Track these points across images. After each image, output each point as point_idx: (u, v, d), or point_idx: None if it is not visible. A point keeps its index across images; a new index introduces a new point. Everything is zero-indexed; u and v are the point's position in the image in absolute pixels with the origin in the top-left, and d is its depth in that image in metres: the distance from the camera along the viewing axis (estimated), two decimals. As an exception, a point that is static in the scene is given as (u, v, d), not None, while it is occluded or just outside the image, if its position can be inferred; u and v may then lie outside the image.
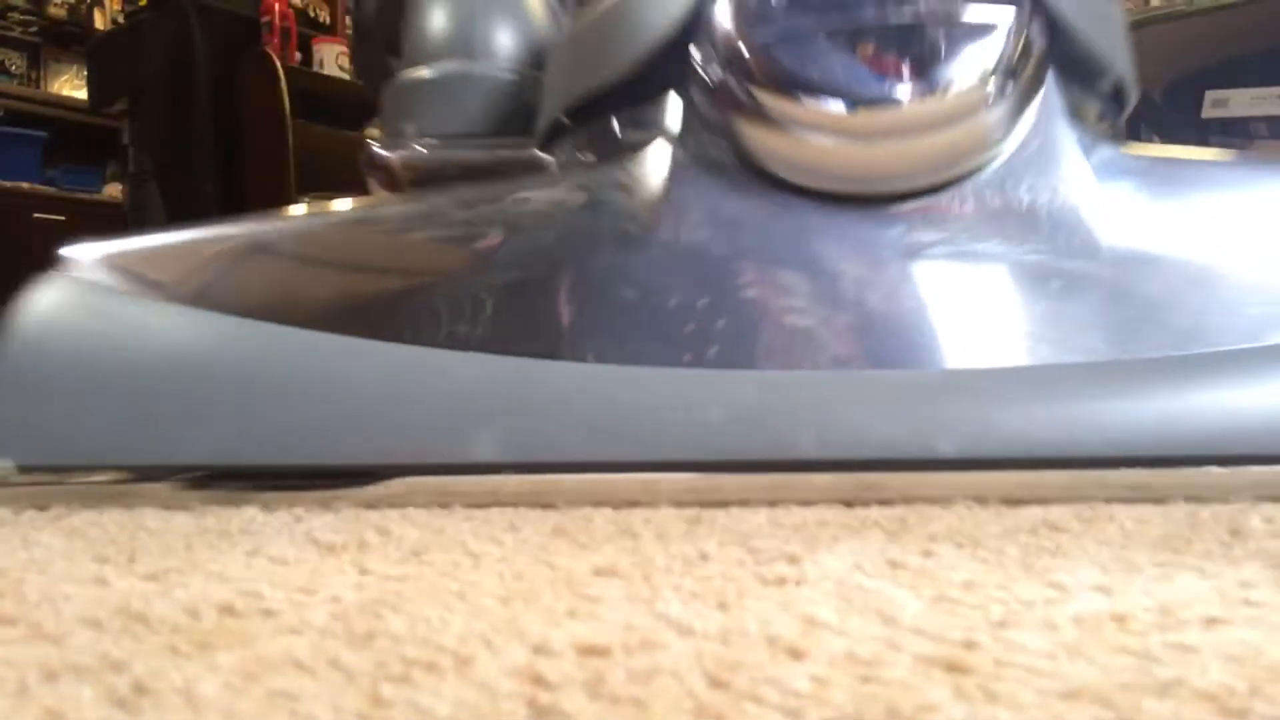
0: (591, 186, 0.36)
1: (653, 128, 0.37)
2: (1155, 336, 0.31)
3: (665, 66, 0.36)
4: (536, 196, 0.36)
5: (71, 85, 4.33)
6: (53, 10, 4.26)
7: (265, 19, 3.16)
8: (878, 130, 0.33)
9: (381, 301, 0.33)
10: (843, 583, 0.21)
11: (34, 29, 4.26)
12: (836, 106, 0.33)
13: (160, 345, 0.31)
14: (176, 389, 0.31)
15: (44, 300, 0.34)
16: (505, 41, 0.55)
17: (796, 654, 0.16)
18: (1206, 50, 2.27)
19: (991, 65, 0.33)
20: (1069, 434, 0.30)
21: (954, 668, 0.16)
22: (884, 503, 0.29)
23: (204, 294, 0.32)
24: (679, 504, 0.30)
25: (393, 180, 0.52)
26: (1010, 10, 0.33)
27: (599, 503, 0.30)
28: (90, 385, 0.31)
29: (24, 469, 0.31)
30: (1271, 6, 2.01)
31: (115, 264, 0.35)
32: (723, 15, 0.34)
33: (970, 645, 0.17)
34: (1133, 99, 0.43)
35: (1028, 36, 0.34)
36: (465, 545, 0.26)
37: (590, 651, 0.17)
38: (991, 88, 0.34)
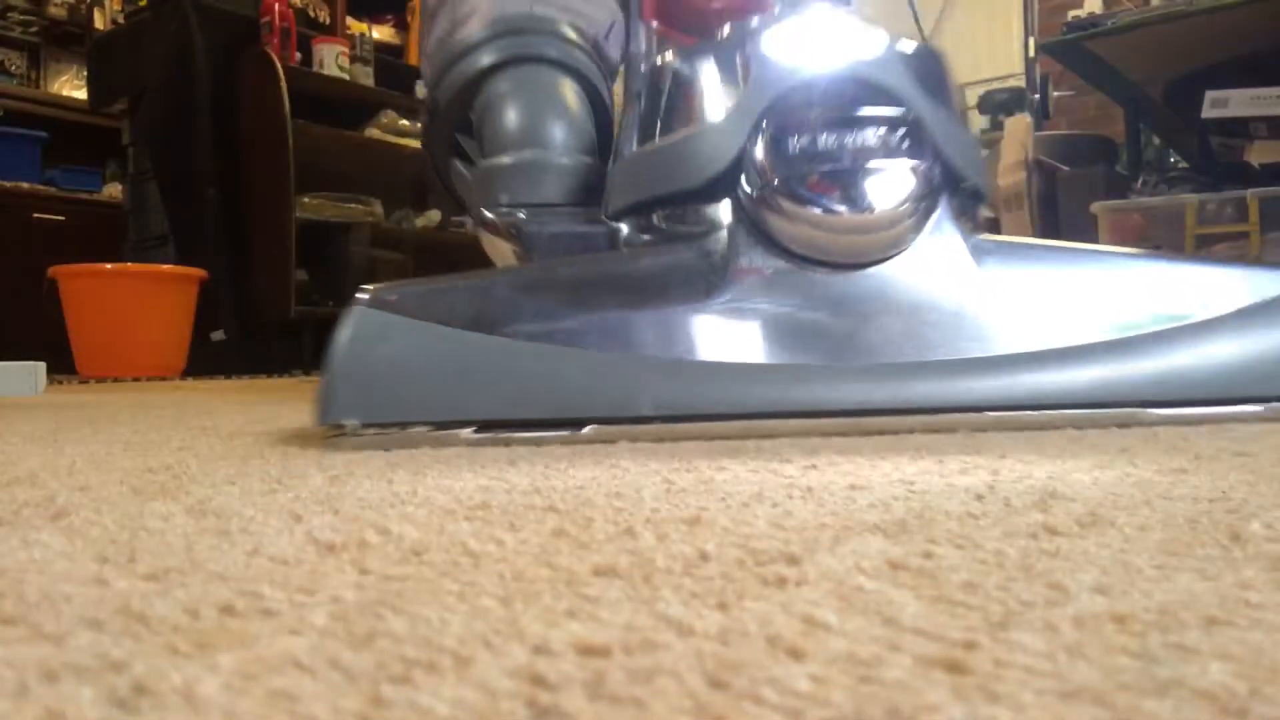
0: (681, 261, 0.58)
1: (704, 221, 0.60)
2: (1007, 341, 0.55)
3: (719, 184, 0.58)
4: (659, 260, 0.59)
5: (71, 85, 4.34)
6: (53, 10, 4.26)
7: (265, 19, 3.17)
8: (845, 229, 0.56)
9: (570, 323, 0.54)
10: (843, 583, 0.21)
11: (34, 29, 4.27)
12: (821, 214, 0.56)
13: (439, 350, 0.52)
14: (453, 376, 0.51)
15: (357, 322, 0.52)
16: (560, 134, 0.76)
17: (796, 654, 0.16)
18: (1206, 50, 2.27)
19: (909, 193, 0.56)
20: (942, 395, 0.53)
21: (954, 668, 0.16)
22: (866, 433, 0.51)
23: (452, 318, 0.52)
24: (735, 436, 0.51)
25: (499, 233, 0.73)
26: (921, 163, 0.56)
27: (697, 437, 0.51)
28: (398, 374, 0.51)
29: (366, 425, 0.50)
30: (1271, 6, 2.01)
31: (389, 300, 0.53)
32: (761, 157, 0.57)
33: (970, 645, 0.17)
34: (988, 197, 0.65)
35: (929, 176, 0.56)
36: (465, 545, 0.26)
37: (590, 651, 0.17)
38: (909, 206, 0.56)
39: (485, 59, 0.75)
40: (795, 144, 0.55)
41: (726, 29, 0.62)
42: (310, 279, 3.16)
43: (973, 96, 3.61)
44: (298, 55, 3.21)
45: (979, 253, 0.58)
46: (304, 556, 0.25)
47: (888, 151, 0.55)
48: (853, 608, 0.19)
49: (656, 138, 0.62)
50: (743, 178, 0.57)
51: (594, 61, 0.79)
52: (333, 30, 3.67)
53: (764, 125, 0.56)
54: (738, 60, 0.58)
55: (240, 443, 0.55)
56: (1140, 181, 2.22)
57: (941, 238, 0.57)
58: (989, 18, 4.41)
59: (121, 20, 3.59)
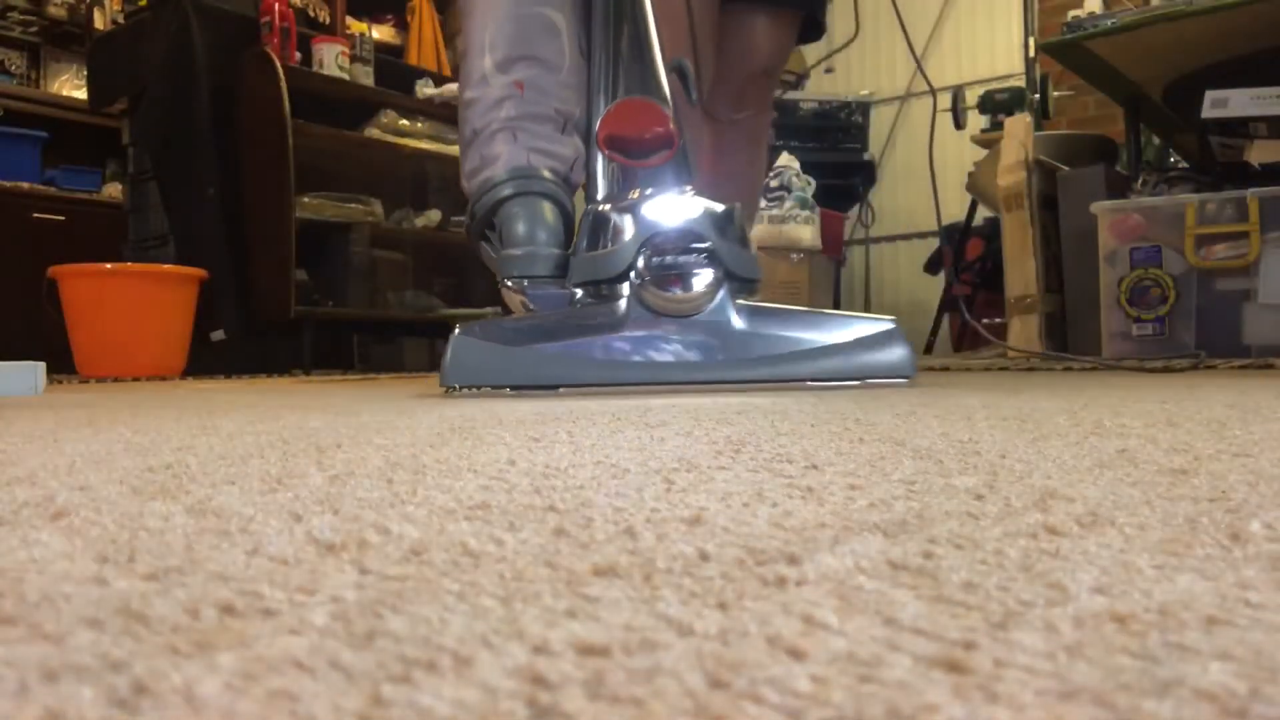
0: (605, 311, 1.15)
1: (618, 292, 1.15)
2: (753, 351, 1.14)
3: (624, 276, 1.14)
4: (595, 312, 1.16)
5: (71, 85, 4.33)
6: (53, 10, 4.26)
7: (265, 19, 3.16)
8: (679, 300, 1.13)
9: (552, 340, 1.13)
10: (843, 583, 0.21)
11: (34, 29, 4.27)
12: (665, 291, 1.13)
13: (499, 355, 1.12)
14: (499, 366, 1.12)
15: (457, 339, 1.12)
16: (544, 236, 1.30)
17: (796, 654, 0.16)
18: (1206, 50, 2.27)
19: (707, 284, 1.12)
20: (724, 374, 1.13)
21: (954, 668, 0.16)
22: (694, 393, 1.05)
23: (499, 339, 1.14)
24: (634, 394, 1.06)
25: (514, 294, 1.30)
26: (714, 271, 1.12)
27: (613, 393, 1.08)
28: (477, 363, 1.12)
29: (461, 386, 1.12)
30: (1271, 6, 2.01)
31: (474, 330, 1.14)
32: (641, 265, 1.13)
33: (970, 645, 0.17)
34: (757, 282, 1.19)
35: (718, 276, 1.12)
36: (465, 545, 0.26)
37: (590, 651, 0.17)
38: (709, 290, 1.13)
39: (504, 192, 1.31)
40: (656, 260, 1.12)
41: (632, 194, 1.19)
42: (310, 279, 3.16)
43: (973, 96, 3.61)
44: (298, 55, 3.21)
45: (740, 309, 1.14)
46: (304, 556, 0.25)
47: (698, 265, 1.12)
48: (853, 608, 0.19)
49: (597, 248, 1.17)
50: (633, 274, 1.13)
51: (562, 188, 1.33)
52: (333, 30, 3.67)
53: (643, 249, 1.13)
54: (632, 215, 1.16)
55: (240, 442, 0.55)
56: (1140, 181, 2.22)
57: (724, 302, 1.14)
58: (989, 18, 4.41)
59: (121, 20, 3.59)
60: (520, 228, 1.27)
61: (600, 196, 1.23)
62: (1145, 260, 2.01)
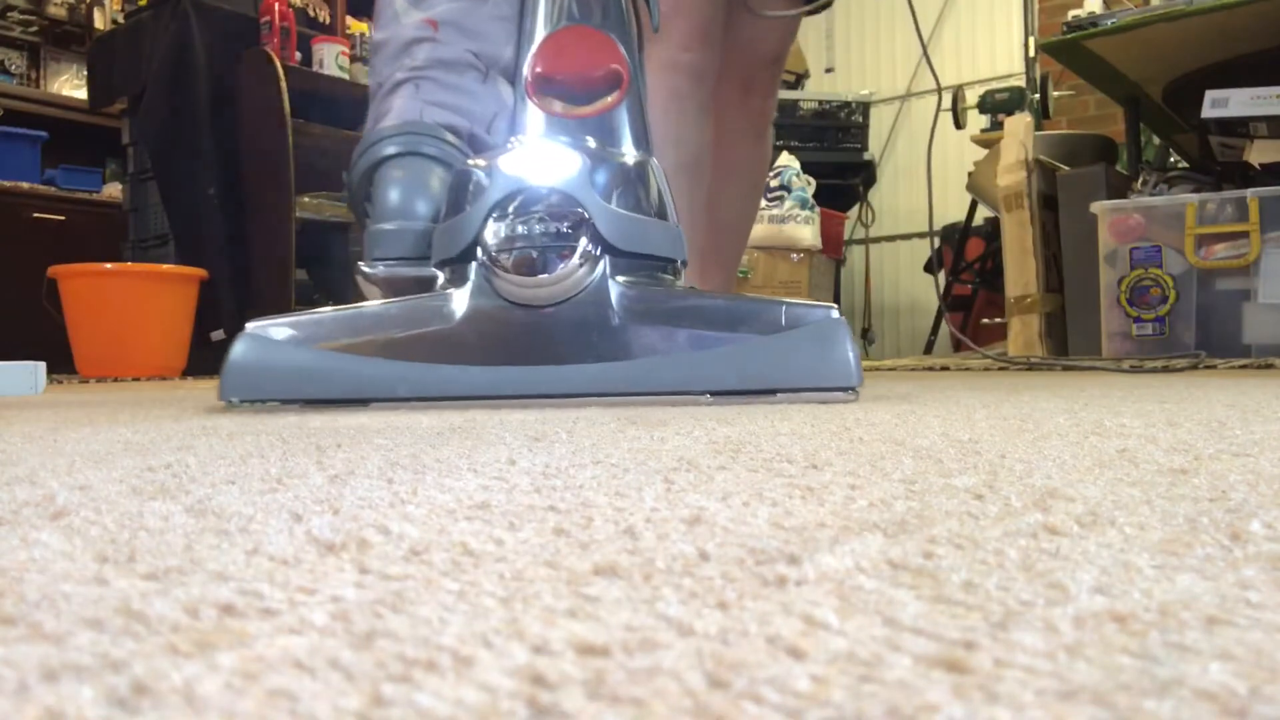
0: (449, 296, 0.90)
1: (464, 273, 0.89)
2: (638, 354, 0.87)
3: (468, 253, 0.89)
4: (435, 300, 0.90)
5: (71, 85, 4.34)
6: (53, 10, 4.26)
7: (265, 19, 3.16)
8: (534, 285, 0.86)
9: (367, 339, 0.87)
10: (843, 583, 0.21)
11: (34, 29, 4.27)
12: (520, 277, 0.86)
13: (293, 357, 0.86)
14: (298, 372, 0.85)
15: (244, 337, 0.86)
16: (422, 209, 1.06)
17: (796, 654, 0.16)
18: (1206, 50, 2.27)
19: (577, 262, 0.86)
20: (588, 383, 0.87)
21: (954, 668, 0.16)
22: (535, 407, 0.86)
23: (304, 337, 0.88)
24: (457, 405, 0.87)
25: (375, 283, 1.07)
26: (588, 243, 0.86)
27: (437, 402, 0.89)
28: (262, 371, 0.85)
29: (242, 401, 0.85)
30: (1271, 6, 2.01)
31: (267, 327, 0.87)
32: (486, 239, 0.87)
33: (970, 645, 0.17)
34: (675, 259, 0.93)
35: (587, 247, 0.86)
36: (465, 545, 0.26)
37: (590, 651, 0.17)
38: (575, 270, 0.86)
39: (386, 150, 1.07)
40: (505, 232, 0.85)
41: (507, 144, 0.92)
42: (310, 279, 3.16)
43: (973, 96, 3.61)
44: (298, 55, 3.21)
45: (626, 299, 0.87)
46: (304, 556, 0.25)
47: (563, 238, 0.84)
48: (853, 607, 0.19)
49: (454, 216, 0.91)
50: (479, 250, 0.87)
51: (464, 153, 1.08)
52: (333, 30, 3.67)
53: (492, 215, 0.86)
54: (488, 171, 0.88)
55: (240, 442, 0.55)
56: (1140, 181, 2.22)
57: (601, 289, 0.87)
58: (989, 18, 4.41)
59: (121, 20, 3.59)
60: (393, 195, 1.01)
61: None
62: (1145, 260, 2.01)
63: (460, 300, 0.87)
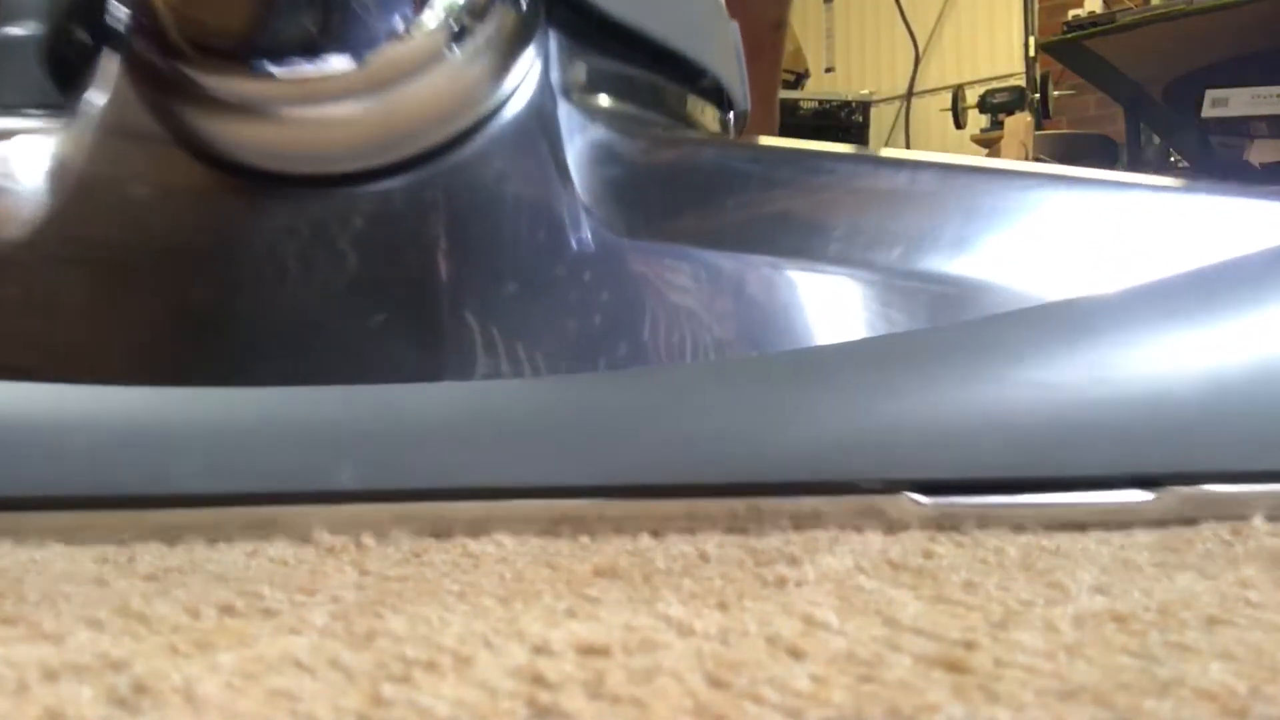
0: None
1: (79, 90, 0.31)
2: None
3: (90, 20, 0.31)
4: None
5: (71, 85, 4.34)
6: (53, 10, 4.26)
7: (265, 19, 3.16)
8: (288, 98, 0.29)
9: None
10: (843, 583, 0.21)
11: (34, 29, 4.27)
12: (245, 70, 0.28)
13: None
14: None
15: None
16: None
17: (796, 654, 0.16)
18: (1206, 50, 2.27)
19: (439, 20, 0.28)
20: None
21: (954, 668, 0.16)
22: None
23: None
24: None
25: None
26: None
27: None
28: None
29: None
30: (1271, 6, 2.01)
31: None
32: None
33: (970, 645, 0.17)
34: (740, 104, 0.43)
35: None
36: (465, 546, 0.26)
37: (590, 651, 0.17)
38: (439, 46, 0.28)
39: None
40: None
41: None
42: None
43: (973, 96, 3.61)
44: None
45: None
46: (303, 557, 0.25)
47: None
48: (853, 608, 0.19)
49: None
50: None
51: None
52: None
53: None
54: None
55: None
56: (1140, 181, 2.22)
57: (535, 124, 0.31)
58: (989, 17, 4.41)
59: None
60: None
61: None
62: (1145, 260, 2.01)
63: (61, 150, 0.38)
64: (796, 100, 3.96)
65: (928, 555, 0.24)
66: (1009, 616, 0.19)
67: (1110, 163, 2.67)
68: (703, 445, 0.26)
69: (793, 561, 0.23)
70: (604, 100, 0.35)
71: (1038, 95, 3.23)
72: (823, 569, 0.22)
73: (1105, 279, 0.30)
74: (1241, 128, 2.07)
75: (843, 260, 0.30)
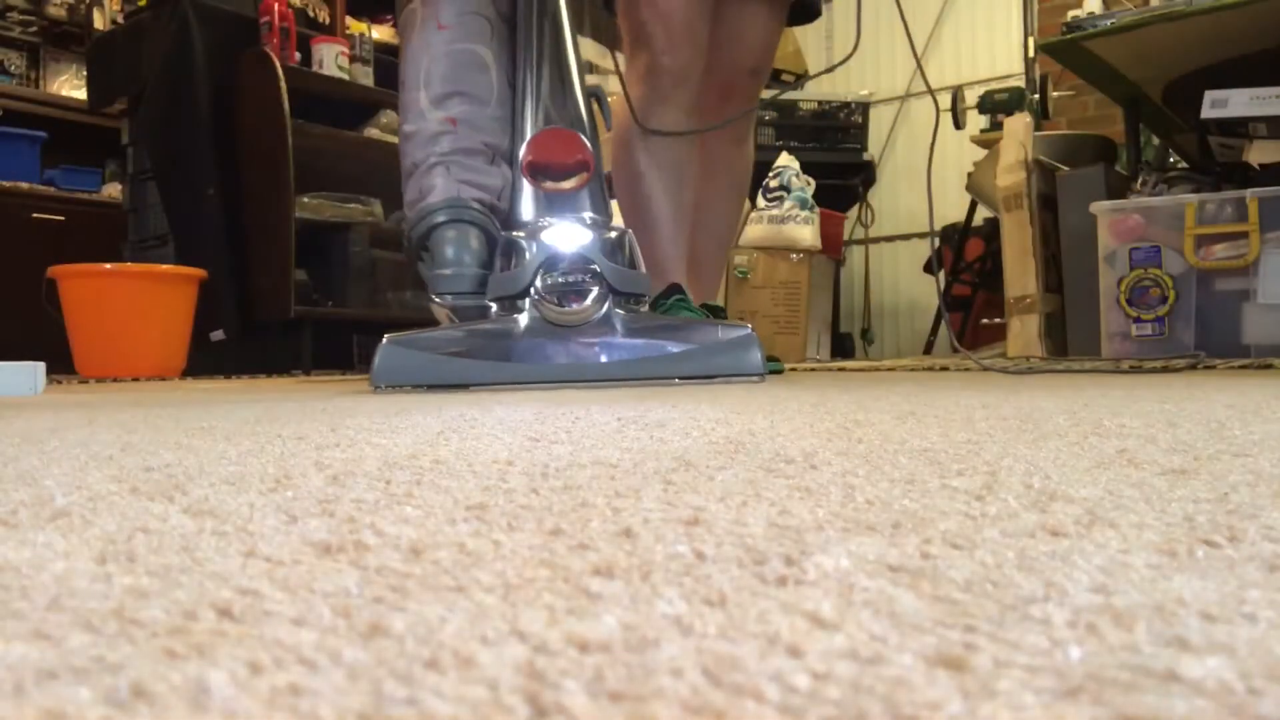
0: (509, 322, 1.37)
1: (521, 306, 1.37)
2: (632, 355, 1.37)
3: (526, 292, 1.37)
4: (505, 324, 1.37)
5: (71, 85, 4.33)
6: (53, 10, 4.26)
7: (265, 19, 3.16)
8: (566, 313, 1.34)
9: (466, 345, 1.35)
10: (843, 583, 0.21)
11: (34, 29, 4.27)
12: (558, 306, 1.35)
13: (418, 360, 1.32)
14: (424, 368, 1.32)
15: (384, 347, 1.31)
16: (468, 259, 1.51)
17: (796, 653, 0.16)
18: (1206, 50, 2.27)
19: (592, 299, 1.34)
20: (625, 371, 1.35)
21: (953, 666, 0.16)
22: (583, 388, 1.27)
23: (424, 346, 1.33)
24: (537, 389, 1.28)
25: (441, 309, 1.53)
26: (599, 289, 1.35)
27: (529, 387, 1.30)
28: (401, 366, 1.32)
29: (387, 386, 1.31)
30: (1271, 6, 2.01)
31: (399, 339, 1.33)
32: (538, 283, 1.36)
33: (970, 644, 0.17)
34: (644, 295, 1.42)
35: (603, 293, 1.35)
36: (464, 545, 0.26)
37: (590, 649, 0.17)
38: (594, 304, 1.35)
39: (437, 219, 1.50)
40: (549, 280, 1.34)
41: (541, 223, 1.40)
42: (310, 279, 3.16)
43: (973, 96, 3.61)
44: (297, 55, 3.20)
45: (621, 320, 1.36)
46: (302, 557, 0.25)
47: (586, 284, 1.34)
48: (852, 606, 0.19)
49: (509, 269, 1.38)
50: (533, 289, 1.34)
51: (487, 215, 1.51)
52: (332, 30, 3.67)
53: (540, 269, 1.34)
54: (535, 240, 1.37)
55: (239, 442, 0.55)
56: (1140, 181, 2.22)
57: (609, 315, 1.35)
58: (989, 18, 4.41)
59: (121, 20, 3.58)
60: (449, 251, 1.50)
61: (526, 218, 1.44)
62: (1145, 260, 2.01)
63: (521, 323, 1.35)
64: (796, 101, 3.96)
65: (926, 555, 0.24)
66: (1008, 615, 0.19)
67: (1110, 163, 2.67)
68: None
69: (792, 561, 0.23)
70: (620, 309, 1.59)
71: (1037, 95, 3.23)
72: (823, 569, 0.22)
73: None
74: (1241, 128, 2.07)
75: None
